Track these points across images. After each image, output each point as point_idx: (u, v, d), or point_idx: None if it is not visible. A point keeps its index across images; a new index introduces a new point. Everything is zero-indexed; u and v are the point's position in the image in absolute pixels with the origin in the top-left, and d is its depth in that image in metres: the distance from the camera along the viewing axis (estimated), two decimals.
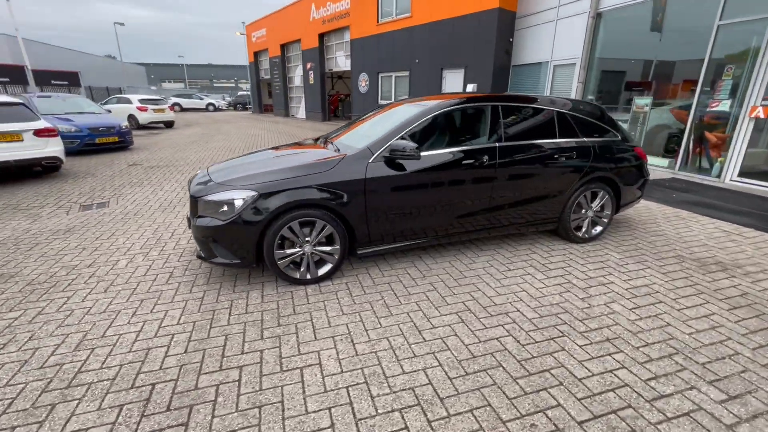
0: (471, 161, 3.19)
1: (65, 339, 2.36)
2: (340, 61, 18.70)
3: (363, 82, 16.76)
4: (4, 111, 6.19)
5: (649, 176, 4.17)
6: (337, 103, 22.07)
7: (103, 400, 1.88)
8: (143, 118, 15.87)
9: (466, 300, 2.81)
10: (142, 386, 1.97)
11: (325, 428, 1.73)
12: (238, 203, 2.74)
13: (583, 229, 3.86)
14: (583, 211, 3.81)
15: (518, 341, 2.33)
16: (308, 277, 3.01)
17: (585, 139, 3.66)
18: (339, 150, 3.18)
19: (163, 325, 2.51)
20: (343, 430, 1.72)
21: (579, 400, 1.89)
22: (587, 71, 9.02)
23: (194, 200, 2.91)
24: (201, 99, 32.51)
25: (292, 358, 2.19)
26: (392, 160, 3.00)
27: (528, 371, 2.08)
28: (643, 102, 8.17)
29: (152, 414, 1.81)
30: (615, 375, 2.05)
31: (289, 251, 2.91)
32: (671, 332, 2.41)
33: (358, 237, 3.05)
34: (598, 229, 3.93)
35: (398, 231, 3.17)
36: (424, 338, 2.37)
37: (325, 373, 2.07)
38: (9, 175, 6.75)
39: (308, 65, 20.66)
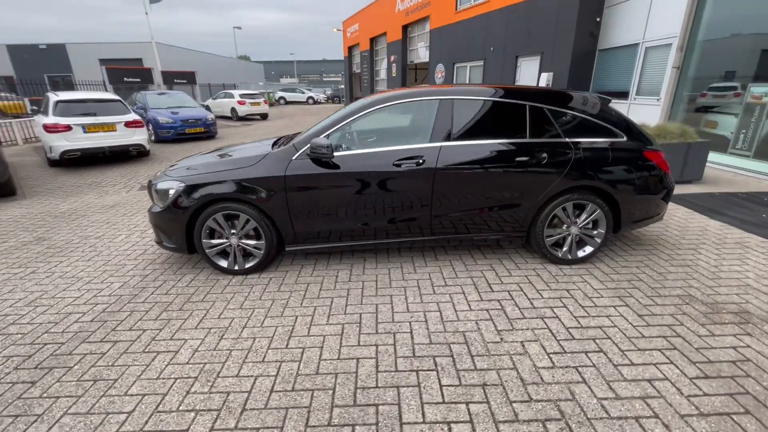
0: (407, 162, 2.91)
1: (30, 295, 2.90)
2: (421, 52, 18.42)
3: (439, 74, 16.27)
4: (104, 106, 7.71)
5: (673, 187, 3.24)
6: None
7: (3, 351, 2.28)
8: (242, 110, 18.01)
9: (367, 312, 2.60)
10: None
11: None
12: (171, 192, 2.98)
13: (565, 248, 3.21)
14: (565, 226, 3.15)
15: (377, 367, 2.09)
16: (236, 268, 3.13)
17: (564, 140, 3.01)
18: (293, 146, 3.12)
19: (96, 288, 2.90)
20: None
21: None
22: (684, 53, 7.28)
23: (149, 187, 3.25)
24: (302, 93, 35.39)
25: (163, 342, 2.33)
26: (319, 158, 2.91)
27: (356, 402, 1.86)
28: (762, 90, 6.30)
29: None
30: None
31: (215, 241, 3.07)
32: (577, 395, 1.89)
33: (284, 234, 3.06)
34: (588, 249, 3.21)
35: (326, 231, 3.07)
36: (287, 345, 2.29)
37: (175, 361, 2.16)
38: (105, 159, 8.34)
39: (392, 58, 20.87)
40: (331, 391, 1.92)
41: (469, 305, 2.66)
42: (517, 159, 2.94)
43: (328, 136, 2.95)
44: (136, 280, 3.10)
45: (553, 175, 2.96)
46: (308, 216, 3.00)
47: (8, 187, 5.68)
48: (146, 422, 1.77)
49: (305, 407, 1.83)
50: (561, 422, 1.72)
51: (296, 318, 2.56)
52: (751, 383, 1.93)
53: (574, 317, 2.51)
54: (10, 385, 2.01)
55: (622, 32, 8.99)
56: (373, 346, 2.26)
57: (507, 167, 2.94)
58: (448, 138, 2.97)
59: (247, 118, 18.73)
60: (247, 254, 3.15)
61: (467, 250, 3.54)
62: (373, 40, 23.84)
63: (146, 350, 2.26)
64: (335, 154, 2.93)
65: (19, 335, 2.42)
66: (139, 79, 14.24)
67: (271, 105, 32.40)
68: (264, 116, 19.34)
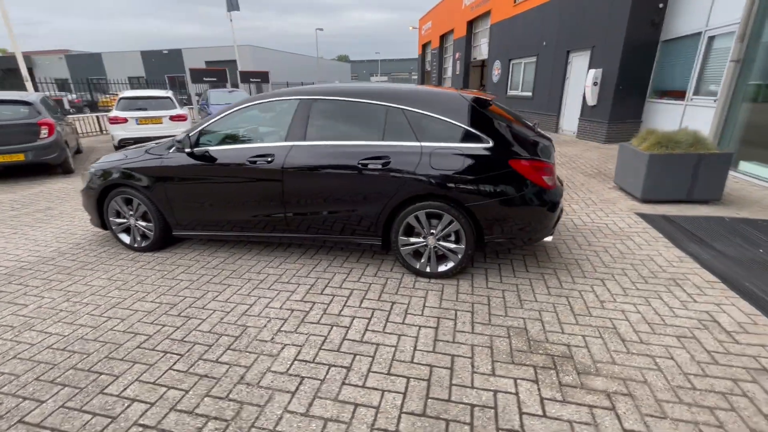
0: (260, 160, 3.02)
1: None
2: (483, 49, 17.57)
3: (496, 71, 15.39)
4: (156, 102, 9.10)
5: (556, 204, 2.76)
6: None
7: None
8: None
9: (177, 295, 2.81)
10: None
11: None
12: (88, 176, 3.56)
13: (422, 260, 2.98)
14: (422, 236, 2.93)
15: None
16: (135, 245, 3.59)
17: (416, 144, 2.79)
18: (173, 139, 3.50)
19: (36, 249, 3.60)
20: None
21: None
22: (747, 44, 5.84)
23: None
24: None
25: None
26: (187, 152, 3.19)
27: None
28: None
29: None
30: None
31: (118, 220, 3.57)
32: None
33: (168, 219, 3.42)
34: (449, 264, 2.94)
35: (204, 220, 3.34)
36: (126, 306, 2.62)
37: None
38: None
39: (456, 55, 20.28)
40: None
41: (284, 303, 2.69)
42: (363, 161, 2.84)
43: (200, 132, 3.20)
44: (67, 247, 3.76)
45: (399, 181, 2.79)
46: (184, 205, 3.30)
47: (65, 166, 7.13)
48: None
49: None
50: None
51: (127, 282, 2.89)
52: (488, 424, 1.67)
53: (367, 330, 2.38)
54: None
55: (690, 20, 7.54)
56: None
57: (353, 170, 2.86)
58: (303, 138, 3.00)
59: None
60: (144, 235, 3.58)
61: (347, 251, 3.50)
62: (442, 38, 23.41)
63: (14, 301, 2.80)
64: (210, 149, 3.18)
65: None
66: (215, 79, 16.28)
67: None
68: None
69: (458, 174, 2.71)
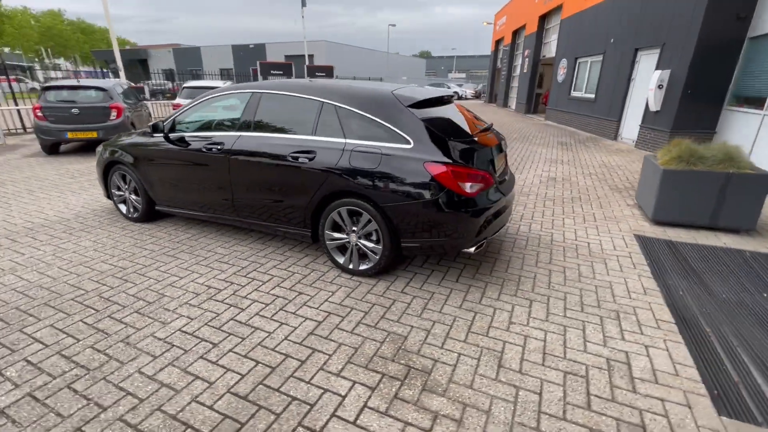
0: (214, 147, 3.28)
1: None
2: (553, 46, 16.29)
3: (561, 70, 14.20)
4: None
5: (479, 213, 2.57)
6: (547, 99, 19.49)
7: None
8: None
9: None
10: None
11: None
12: (98, 150, 4.17)
13: (345, 256, 3.00)
14: (345, 233, 2.95)
15: None
16: (129, 216, 4.13)
17: (340, 140, 2.80)
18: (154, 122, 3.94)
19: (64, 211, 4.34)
20: None
21: None
22: None
23: None
24: (448, 88, 35.71)
25: None
26: (166, 136, 3.58)
27: None
28: None
29: None
30: None
31: (115, 192, 4.15)
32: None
33: (150, 194, 3.87)
34: (369, 264, 2.91)
35: (175, 199, 3.73)
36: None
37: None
38: None
39: (525, 52, 19.09)
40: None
41: (207, 280, 2.93)
42: (293, 155, 2.93)
43: (174, 119, 3.57)
44: (85, 212, 4.46)
45: (323, 176, 2.84)
46: (159, 182, 3.72)
47: None
48: None
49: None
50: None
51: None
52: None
53: (257, 315, 2.50)
54: None
55: None
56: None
57: (286, 162, 2.97)
58: (249, 128, 3.19)
59: None
60: (135, 208, 4.10)
61: (297, 240, 3.63)
62: (515, 34, 22.16)
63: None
64: (185, 135, 3.53)
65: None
66: (281, 72, 17.43)
67: None
68: None
69: (374, 173, 2.68)
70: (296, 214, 3.09)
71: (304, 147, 2.92)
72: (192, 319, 2.46)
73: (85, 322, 2.41)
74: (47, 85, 7.83)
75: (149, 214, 4.03)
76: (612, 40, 10.47)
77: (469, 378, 2.00)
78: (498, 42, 27.09)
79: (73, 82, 7.89)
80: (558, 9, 15.33)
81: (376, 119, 2.76)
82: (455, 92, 34.69)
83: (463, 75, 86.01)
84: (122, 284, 2.87)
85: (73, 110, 7.46)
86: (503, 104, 23.92)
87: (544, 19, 17.25)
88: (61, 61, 53.60)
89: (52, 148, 7.86)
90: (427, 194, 2.58)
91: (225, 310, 2.57)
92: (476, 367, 2.07)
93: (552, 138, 10.62)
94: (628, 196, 5.20)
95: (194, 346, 2.20)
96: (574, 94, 13.29)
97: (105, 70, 17.51)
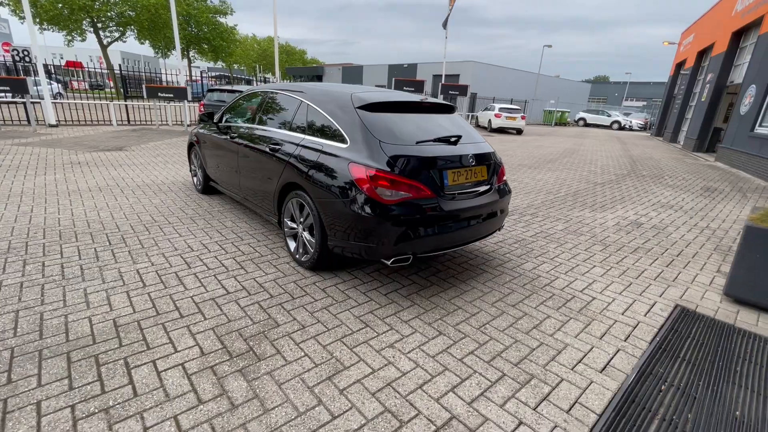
0: (233, 137, 3.89)
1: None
2: (744, 69, 12.64)
3: (748, 99, 10.92)
4: None
5: (396, 222, 2.36)
6: None
7: None
8: (496, 123, 19.22)
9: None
10: None
11: None
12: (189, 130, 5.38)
13: (294, 245, 3.14)
14: (296, 224, 3.09)
15: None
16: (197, 188, 5.18)
17: (297, 135, 3.03)
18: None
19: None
20: None
21: None
22: None
23: None
24: (608, 116, 31.28)
25: None
26: (216, 123, 4.41)
27: None
28: None
29: None
30: None
31: (192, 167, 5.23)
32: None
33: (208, 173, 4.78)
34: (306, 257, 2.99)
35: (218, 179, 4.53)
36: None
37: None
38: None
39: (708, 76, 15.31)
40: None
41: (193, 242, 3.50)
42: (271, 147, 3.26)
43: (223, 111, 4.35)
44: (173, 179, 5.77)
45: (282, 166, 3.07)
46: (207, 160, 4.57)
47: None
48: None
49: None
50: None
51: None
52: None
53: (177, 280, 2.89)
54: None
55: None
56: None
57: (266, 153, 3.32)
58: (256, 122, 3.68)
59: (503, 131, 19.77)
60: (200, 181, 5.09)
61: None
62: (700, 55, 17.99)
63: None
64: (228, 124, 4.29)
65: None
66: (413, 89, 18.34)
67: (564, 125, 31.10)
68: (519, 132, 19.76)
69: (312, 168, 2.78)
70: (266, 201, 3.43)
71: (278, 139, 3.22)
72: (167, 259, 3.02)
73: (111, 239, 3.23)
74: (211, 87, 10.28)
75: (206, 188, 4.97)
76: None
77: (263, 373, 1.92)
78: (679, 66, 22.46)
79: (227, 86, 10.16)
80: (758, 22, 11.92)
81: (328, 117, 2.86)
82: (616, 121, 30.46)
83: (642, 103, 73.81)
84: (148, 229, 3.69)
85: None
86: (671, 139, 19.66)
87: (738, 36, 13.63)
88: (269, 75, 68.74)
89: None
90: (348, 195, 2.54)
91: (180, 264, 3.05)
92: (304, 372, 1.96)
93: (697, 181, 8.33)
94: (727, 263, 3.79)
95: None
96: (759, 130, 10.10)
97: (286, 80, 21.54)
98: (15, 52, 11.13)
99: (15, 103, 11.88)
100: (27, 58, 11.21)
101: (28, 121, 10.09)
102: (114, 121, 12.20)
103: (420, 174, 2.55)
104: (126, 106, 12.83)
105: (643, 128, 31.02)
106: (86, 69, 31.40)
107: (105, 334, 2.15)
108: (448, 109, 3.26)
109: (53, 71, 21.84)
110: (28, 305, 2.37)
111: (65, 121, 11.82)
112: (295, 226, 3.14)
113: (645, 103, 75.81)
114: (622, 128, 30.62)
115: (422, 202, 2.53)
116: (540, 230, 4.43)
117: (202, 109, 9.69)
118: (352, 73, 41.45)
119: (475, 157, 2.85)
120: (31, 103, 10.07)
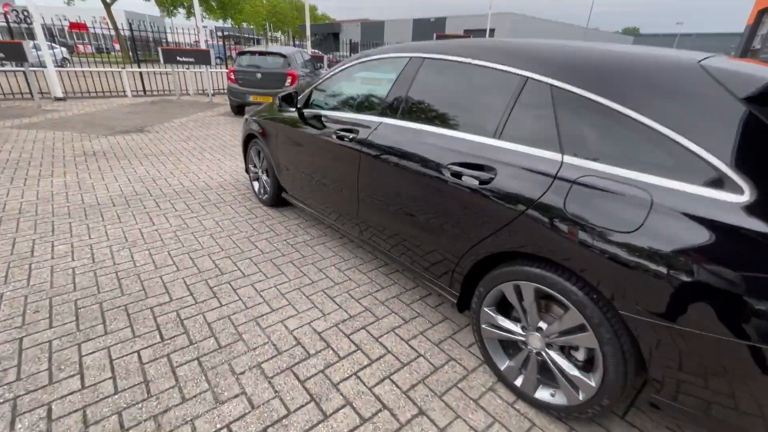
0: (347, 135, 2.34)
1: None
2: None
3: None
4: None
5: None
6: None
7: None
8: None
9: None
10: None
11: None
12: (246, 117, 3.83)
13: (513, 362, 1.68)
14: (520, 326, 1.61)
15: None
16: (260, 197, 3.70)
17: (547, 154, 1.41)
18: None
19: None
20: None
21: None
22: None
23: None
24: None
25: None
26: (299, 110, 2.85)
27: None
28: None
29: None
30: None
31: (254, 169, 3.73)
32: None
33: (278, 177, 3.30)
34: (556, 399, 1.53)
35: (300, 188, 3.04)
36: None
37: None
38: None
39: None
40: None
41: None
42: (453, 167, 1.70)
43: (310, 92, 2.79)
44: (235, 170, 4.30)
45: (502, 216, 1.55)
46: (286, 164, 3.05)
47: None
48: None
49: None
50: None
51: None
52: None
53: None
54: None
55: None
56: None
57: (435, 177, 1.78)
58: (395, 113, 2.10)
59: None
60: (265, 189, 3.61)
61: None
62: None
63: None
64: (322, 112, 2.71)
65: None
66: None
67: None
68: None
69: (623, 243, 1.21)
70: (439, 262, 1.90)
71: (476, 156, 1.65)
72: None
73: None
74: (242, 50, 8.51)
75: (277, 198, 3.49)
76: None
77: None
78: (762, 12, 19.30)
79: (261, 48, 8.37)
80: None
81: (652, 125, 1.25)
82: None
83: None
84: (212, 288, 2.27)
85: (257, 74, 7.89)
86: None
87: None
88: (279, 35, 64.74)
89: (238, 109, 8.62)
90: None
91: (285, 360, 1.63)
92: None
93: None
94: None
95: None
96: None
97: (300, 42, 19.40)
98: (15, 13, 9.28)
99: (15, 71, 10.32)
100: (28, 20, 9.43)
101: (31, 94, 8.57)
102: (128, 91, 10.57)
103: None
104: (141, 74, 11.16)
105: None
106: (92, 31, 29.26)
107: None
108: None
109: (56, 34, 19.98)
110: None
111: (73, 92, 10.26)
112: (515, 328, 1.63)
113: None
114: None
115: None
116: None
117: (233, 77, 8.00)
118: (373, 29, 38.22)
119: None
120: (32, 71, 8.50)
